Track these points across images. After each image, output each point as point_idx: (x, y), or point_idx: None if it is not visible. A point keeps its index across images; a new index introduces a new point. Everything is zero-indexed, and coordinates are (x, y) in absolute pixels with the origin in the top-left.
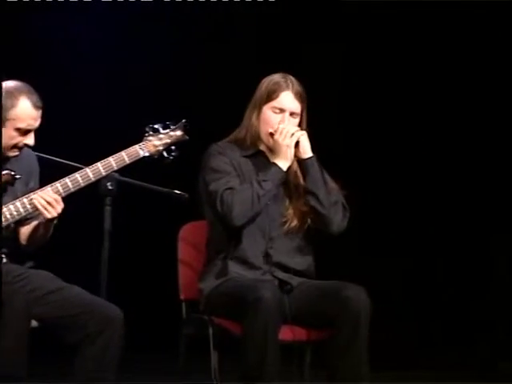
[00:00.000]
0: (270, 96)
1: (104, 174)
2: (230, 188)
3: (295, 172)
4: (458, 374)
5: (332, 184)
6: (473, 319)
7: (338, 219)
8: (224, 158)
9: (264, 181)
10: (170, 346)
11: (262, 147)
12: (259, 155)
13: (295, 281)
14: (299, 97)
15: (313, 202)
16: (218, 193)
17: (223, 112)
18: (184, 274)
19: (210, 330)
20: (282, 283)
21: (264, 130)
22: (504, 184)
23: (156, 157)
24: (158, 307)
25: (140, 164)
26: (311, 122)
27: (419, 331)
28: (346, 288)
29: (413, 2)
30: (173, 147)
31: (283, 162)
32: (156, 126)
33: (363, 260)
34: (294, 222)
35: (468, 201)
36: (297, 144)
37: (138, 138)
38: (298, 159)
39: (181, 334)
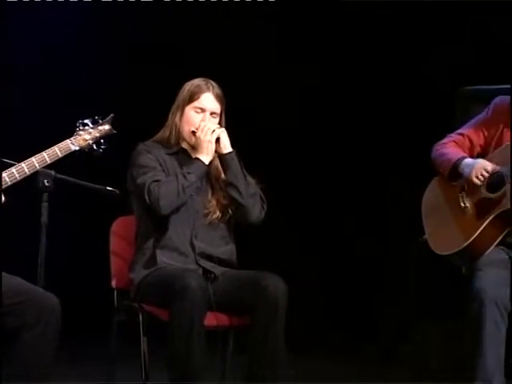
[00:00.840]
0: (192, 97)
1: (38, 167)
2: (157, 180)
3: (216, 167)
4: (363, 357)
5: (249, 178)
6: (376, 303)
7: (257, 210)
8: (150, 156)
9: (188, 173)
10: (104, 332)
11: (185, 145)
12: (182, 153)
13: (218, 270)
14: (219, 99)
15: (233, 193)
16: (145, 185)
17: (153, 113)
18: (116, 265)
19: (140, 317)
20: (206, 272)
21: (186, 129)
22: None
23: (86, 150)
24: (92, 296)
25: (76, 162)
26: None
27: (329, 316)
28: (265, 277)
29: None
30: (102, 140)
31: (205, 157)
32: (86, 121)
33: (281, 251)
34: (216, 214)
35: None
36: (217, 140)
37: (70, 134)
38: (218, 154)
39: (113, 320)
